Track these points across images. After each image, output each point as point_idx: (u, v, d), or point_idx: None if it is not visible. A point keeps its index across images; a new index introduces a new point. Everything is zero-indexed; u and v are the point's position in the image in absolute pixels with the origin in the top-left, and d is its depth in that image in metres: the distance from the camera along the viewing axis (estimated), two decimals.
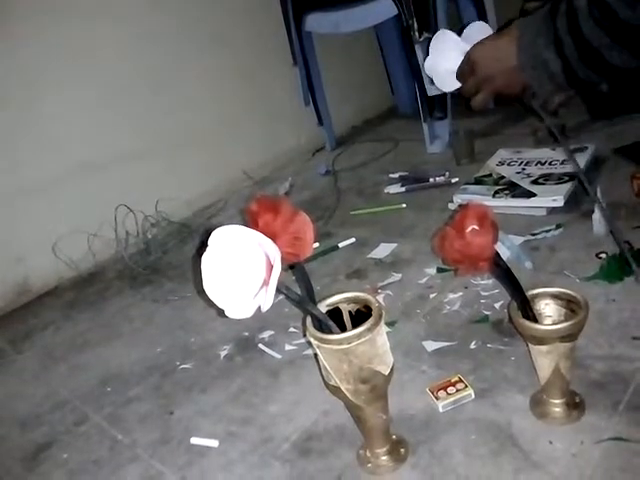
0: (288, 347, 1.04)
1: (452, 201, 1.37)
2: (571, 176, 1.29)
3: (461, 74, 0.89)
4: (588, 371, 0.81)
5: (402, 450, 0.76)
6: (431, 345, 0.94)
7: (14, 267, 1.48)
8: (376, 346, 0.67)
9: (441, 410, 0.81)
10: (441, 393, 0.82)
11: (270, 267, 0.49)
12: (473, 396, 0.81)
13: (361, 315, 0.71)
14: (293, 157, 2.01)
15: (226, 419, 0.91)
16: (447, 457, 0.74)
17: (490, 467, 0.71)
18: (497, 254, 0.66)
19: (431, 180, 1.53)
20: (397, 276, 1.16)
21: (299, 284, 0.67)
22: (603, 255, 1.03)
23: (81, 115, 1.54)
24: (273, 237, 0.61)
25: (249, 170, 1.89)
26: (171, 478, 0.82)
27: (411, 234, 1.32)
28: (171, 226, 1.61)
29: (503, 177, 1.38)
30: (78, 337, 1.26)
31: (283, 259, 0.59)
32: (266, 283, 0.48)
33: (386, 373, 0.69)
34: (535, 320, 0.71)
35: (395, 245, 1.28)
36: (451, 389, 0.82)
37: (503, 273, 0.68)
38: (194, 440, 0.87)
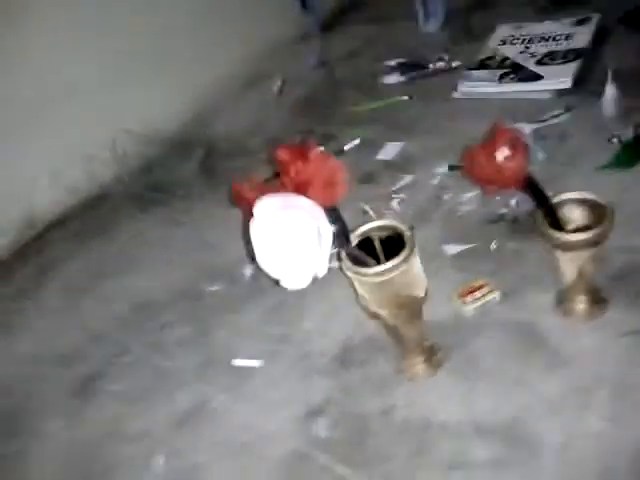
0: None
1: (456, 89, 1.33)
2: (577, 53, 1.25)
3: None
4: (609, 264, 0.84)
5: (437, 356, 0.81)
6: (451, 249, 0.97)
7: (17, 201, 1.46)
8: (411, 274, 0.69)
9: (469, 314, 0.85)
10: (468, 298, 0.86)
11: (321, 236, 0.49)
12: (499, 298, 0.85)
13: (391, 241, 0.72)
14: (279, 48, 1.90)
15: (263, 338, 0.95)
16: (480, 360, 0.79)
17: (522, 366, 0.76)
18: (529, 175, 0.66)
19: (431, 66, 1.48)
20: (408, 178, 1.16)
21: (334, 225, 0.67)
22: (615, 140, 1.03)
23: (62, 37, 1.44)
24: (306, 185, 0.60)
25: (234, 68, 1.80)
26: (220, 399, 0.88)
27: (416, 130, 1.29)
28: (168, 142, 1.56)
29: (507, 58, 1.33)
30: (96, 266, 1.27)
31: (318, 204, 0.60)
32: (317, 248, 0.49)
33: (421, 296, 0.72)
34: (560, 228, 0.72)
35: (402, 144, 1.26)
36: (477, 293, 0.86)
37: (533, 189, 0.68)
38: (236, 362, 0.93)
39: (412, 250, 0.68)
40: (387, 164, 1.23)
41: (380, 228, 0.73)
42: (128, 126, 1.54)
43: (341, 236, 0.65)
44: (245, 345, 0.95)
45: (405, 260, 0.67)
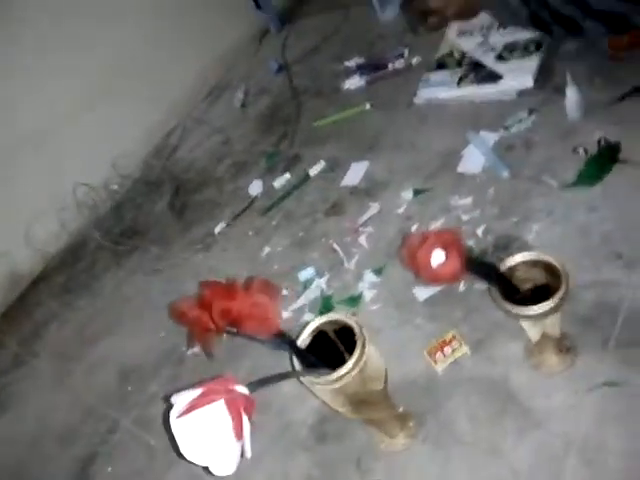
0: (285, 314, 1.05)
1: (416, 95, 1.27)
2: (537, 44, 1.17)
3: None
4: (577, 304, 0.81)
5: (411, 424, 0.80)
6: (421, 293, 0.94)
7: None
8: (367, 371, 0.67)
9: (440, 373, 0.84)
10: (438, 356, 0.84)
11: (240, 419, 0.48)
12: (469, 353, 0.84)
13: (347, 331, 0.71)
14: (239, 53, 1.84)
15: None
16: (453, 425, 0.78)
17: (495, 431, 0.75)
18: (469, 261, 0.63)
19: (390, 66, 1.41)
20: (375, 206, 1.12)
21: (282, 344, 0.65)
22: (580, 150, 0.98)
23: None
24: (237, 322, 0.59)
25: (194, 84, 1.75)
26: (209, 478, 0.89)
27: (380, 145, 1.25)
28: (136, 183, 1.54)
29: (465, 54, 1.26)
30: (84, 329, 1.28)
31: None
32: (239, 437, 0.48)
33: (381, 387, 0.70)
34: (516, 298, 0.69)
35: (366, 164, 1.22)
36: (447, 350, 0.84)
37: (478, 271, 0.66)
38: None
39: (363, 349, 0.66)
40: (353, 191, 1.19)
41: (331, 322, 0.71)
42: (93, 171, 1.51)
43: (293, 357, 0.64)
44: None
45: (357, 362, 0.65)
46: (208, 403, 0.47)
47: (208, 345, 0.66)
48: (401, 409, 0.81)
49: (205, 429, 0.47)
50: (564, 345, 0.78)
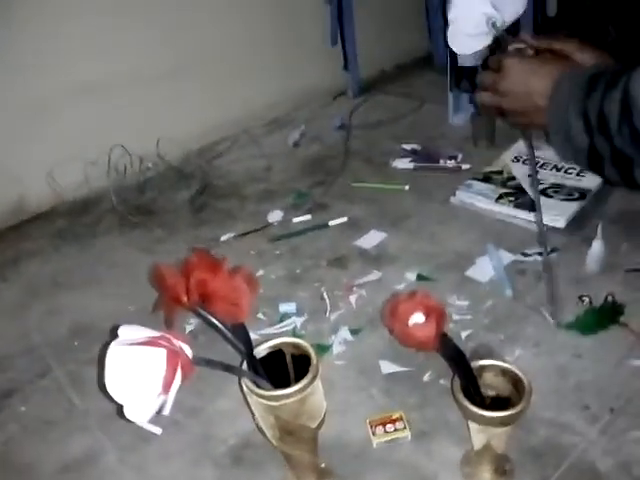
0: (253, 336, 1.04)
1: (454, 195, 1.31)
2: (582, 193, 1.22)
3: (488, 67, 0.82)
4: (528, 434, 0.80)
5: None
6: (387, 367, 0.94)
7: (10, 185, 1.48)
8: (307, 405, 0.66)
9: (375, 446, 0.82)
10: (379, 429, 0.83)
11: (173, 375, 0.47)
12: (410, 438, 0.82)
13: (304, 360, 0.70)
14: (311, 99, 1.91)
15: (176, 406, 0.93)
16: None
17: None
18: (444, 337, 0.63)
19: (441, 162, 1.46)
20: (377, 274, 1.14)
21: (239, 341, 0.65)
22: (585, 300, 0.99)
23: (85, 34, 1.46)
24: (207, 298, 0.59)
25: (262, 108, 1.82)
26: (111, 458, 0.86)
27: (404, 225, 1.28)
28: (170, 169, 1.57)
29: (513, 178, 1.30)
30: (60, 275, 1.28)
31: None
32: (166, 391, 0.48)
33: (314, 426, 0.69)
34: (478, 394, 0.69)
35: (385, 235, 1.25)
36: (390, 427, 0.83)
37: (449, 351, 0.66)
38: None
39: (312, 380, 0.65)
40: (362, 253, 1.21)
41: (292, 345, 0.71)
42: (135, 141, 1.55)
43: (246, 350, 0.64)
44: None
45: (301, 390, 0.64)
46: (150, 345, 0.47)
47: (171, 316, 0.66)
48: (323, 465, 0.79)
49: (137, 368, 0.46)
50: (502, 467, 0.76)
